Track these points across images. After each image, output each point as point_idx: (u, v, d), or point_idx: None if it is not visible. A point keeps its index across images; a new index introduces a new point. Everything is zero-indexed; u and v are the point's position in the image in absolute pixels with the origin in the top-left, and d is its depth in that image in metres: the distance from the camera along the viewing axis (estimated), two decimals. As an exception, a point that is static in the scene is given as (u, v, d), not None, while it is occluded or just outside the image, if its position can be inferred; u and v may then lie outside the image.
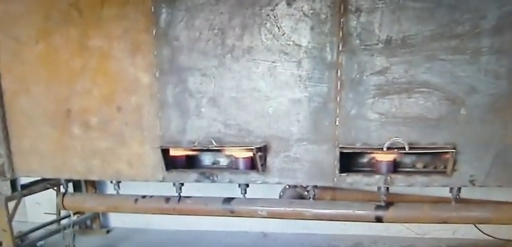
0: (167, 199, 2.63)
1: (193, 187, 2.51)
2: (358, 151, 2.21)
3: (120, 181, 2.65)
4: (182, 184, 2.53)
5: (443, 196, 2.39)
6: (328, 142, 2.22)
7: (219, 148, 2.31)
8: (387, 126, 2.15)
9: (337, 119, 2.19)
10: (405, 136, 2.12)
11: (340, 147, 2.17)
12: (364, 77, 2.12)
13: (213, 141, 2.30)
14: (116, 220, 3.53)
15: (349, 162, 2.27)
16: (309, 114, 2.22)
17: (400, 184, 2.25)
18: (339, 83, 2.16)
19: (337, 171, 2.21)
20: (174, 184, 2.53)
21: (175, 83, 2.33)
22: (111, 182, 2.67)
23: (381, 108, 2.13)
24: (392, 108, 2.12)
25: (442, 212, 2.34)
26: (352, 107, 2.17)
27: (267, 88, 2.23)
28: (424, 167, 2.28)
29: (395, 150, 2.12)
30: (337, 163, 2.19)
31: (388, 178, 2.24)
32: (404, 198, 2.64)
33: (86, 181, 3.35)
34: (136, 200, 2.69)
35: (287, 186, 2.62)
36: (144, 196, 2.68)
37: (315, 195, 2.45)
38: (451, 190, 2.24)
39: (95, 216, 3.50)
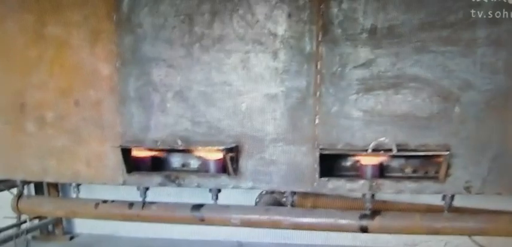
0: (130, 204, 2.38)
1: (163, 191, 2.28)
2: (340, 153, 1.99)
3: (80, 184, 2.40)
4: (147, 188, 2.28)
5: (435, 204, 2.19)
6: (307, 142, 2.00)
7: (185, 148, 2.07)
8: (372, 126, 1.93)
9: (317, 117, 1.97)
10: (392, 137, 1.90)
11: (320, 149, 1.94)
12: (347, 70, 1.92)
13: (179, 141, 2.06)
14: (81, 225, 3.28)
15: (330, 165, 2.06)
16: (286, 111, 2.00)
17: (388, 191, 2.03)
18: (318, 76, 1.95)
19: (317, 175, 1.98)
20: (138, 189, 2.28)
21: (137, 74, 2.11)
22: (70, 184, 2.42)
23: (366, 105, 1.92)
24: (378, 106, 1.92)
25: (434, 222, 2.10)
26: (333, 103, 1.95)
27: (239, 82, 2.02)
28: (414, 172, 2.06)
29: (382, 152, 1.90)
30: (317, 167, 1.96)
31: (374, 184, 2.01)
32: (391, 206, 2.42)
33: (49, 183, 3.09)
34: (96, 205, 2.44)
35: (264, 192, 2.39)
36: (105, 201, 2.43)
37: (293, 202, 2.22)
38: (444, 197, 2.01)
39: (58, 221, 3.24)
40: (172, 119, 2.10)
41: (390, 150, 1.89)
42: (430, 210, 2.26)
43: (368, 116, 1.93)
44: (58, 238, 3.24)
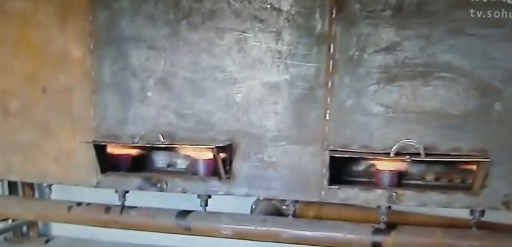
0: (107, 208, 2.08)
1: (147, 193, 1.97)
2: (355, 156, 1.66)
3: (51, 184, 2.11)
4: (126, 191, 1.97)
5: (458, 218, 1.90)
6: (314, 142, 1.70)
7: (169, 146, 1.75)
8: (395, 124, 1.62)
9: (328, 111, 1.67)
10: (419, 138, 1.58)
11: (331, 150, 1.62)
12: (366, 55, 1.62)
13: (161, 137, 1.74)
14: (59, 228, 3.00)
15: (340, 170, 1.74)
16: (290, 104, 1.70)
17: (409, 203, 1.70)
18: (331, 62, 1.64)
19: (325, 182, 1.69)
20: (116, 191, 1.96)
21: (114, 57, 1.83)
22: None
23: (387, 98, 1.61)
24: (403, 99, 1.61)
25: (460, 241, 1.77)
26: (348, 95, 1.65)
27: (234, 67, 1.73)
28: (437, 179, 1.76)
29: (407, 156, 1.56)
30: (325, 172, 1.66)
31: (394, 194, 1.69)
32: (408, 218, 2.09)
33: (23, 182, 2.78)
34: (69, 208, 2.15)
35: (261, 198, 2.05)
36: (79, 204, 2.14)
37: (295, 211, 1.90)
38: (472, 212, 1.69)
39: (33, 223, 2.98)
40: (154, 111, 1.81)
41: (417, 154, 1.56)
42: (452, 224, 1.93)
43: (390, 112, 1.62)
44: (33, 240, 2.99)
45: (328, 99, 1.65)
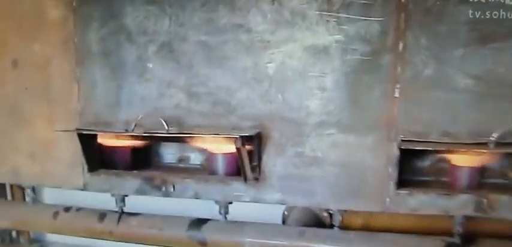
0: (102, 215, 1.65)
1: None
2: (439, 148, 1.21)
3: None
4: (125, 195, 1.53)
5: None
6: (377, 130, 1.25)
7: (175, 135, 1.30)
8: (490, 101, 1.16)
9: (398, 85, 1.19)
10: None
11: (403, 140, 1.15)
12: (450, 6, 1.15)
13: (165, 123, 1.28)
14: None
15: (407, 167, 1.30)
16: (343, 77, 1.24)
17: (505, 213, 1.23)
18: (402, 16, 1.17)
19: (392, 185, 1.20)
20: (113, 194, 1.53)
21: (103, 17, 1.39)
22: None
23: (480, 66, 1.15)
24: (500, 68, 1.14)
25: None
26: (425, 63, 1.18)
27: (264, 25, 1.27)
28: None
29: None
30: (392, 171, 1.19)
31: (484, 201, 1.22)
32: (482, 226, 1.61)
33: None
34: (55, 214, 1.73)
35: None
36: (67, 209, 1.71)
37: (342, 221, 1.44)
38: None
39: None
40: (156, 88, 1.37)
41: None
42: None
43: (482, 85, 1.15)
44: (22, 247, 2.54)
45: (399, 68, 1.18)
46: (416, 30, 1.16)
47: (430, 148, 1.20)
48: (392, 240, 1.44)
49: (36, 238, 2.67)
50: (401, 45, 1.16)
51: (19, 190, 2.40)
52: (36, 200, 1.81)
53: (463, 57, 1.15)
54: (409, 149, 1.17)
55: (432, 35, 1.15)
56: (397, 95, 1.20)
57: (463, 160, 1.29)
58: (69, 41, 1.41)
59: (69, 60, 1.42)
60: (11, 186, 2.39)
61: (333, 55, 1.21)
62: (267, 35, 1.24)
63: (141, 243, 1.68)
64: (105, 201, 1.56)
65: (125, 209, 1.56)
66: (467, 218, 1.30)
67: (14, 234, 2.60)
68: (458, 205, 1.24)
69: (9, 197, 2.36)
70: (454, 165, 1.32)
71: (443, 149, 1.24)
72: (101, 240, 2.06)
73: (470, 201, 1.23)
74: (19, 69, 1.48)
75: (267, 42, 1.25)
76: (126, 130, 1.31)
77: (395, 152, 1.19)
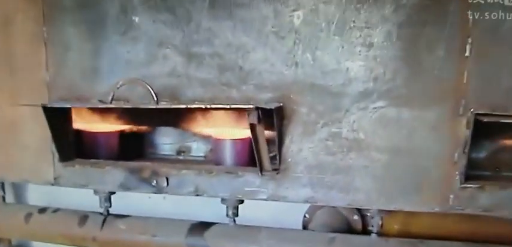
0: (83, 218, 1.35)
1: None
2: None
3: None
4: (113, 192, 1.23)
5: None
6: (441, 101, 0.94)
7: (166, 107, 1.00)
8: None
9: (469, 40, 0.89)
10: None
11: (477, 115, 0.84)
12: None
13: (153, 93, 0.97)
14: None
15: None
16: (395, 30, 0.92)
17: None
18: None
19: (457, 179, 0.88)
20: (95, 192, 1.24)
21: None
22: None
23: None
24: None
25: None
26: (508, 7, 0.88)
27: None
28: None
29: None
30: (459, 160, 0.87)
31: None
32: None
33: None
34: (28, 217, 1.45)
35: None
36: (42, 210, 1.44)
37: (382, 225, 1.14)
38: None
39: None
40: (144, 50, 1.05)
41: None
42: None
43: None
44: (0, 254, 2.25)
45: (470, 18, 0.86)
46: (500, -37, 0.85)
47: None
48: None
49: (20, 242, 2.40)
50: (477, -13, 0.86)
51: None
52: (4, 200, 1.50)
53: None
54: (482, 128, 0.86)
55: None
56: (467, 53, 0.88)
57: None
58: (34, -11, 1.11)
59: (34, 14, 1.11)
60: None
61: (382, 3, 0.90)
62: (292, -27, 0.93)
63: (129, 251, 1.38)
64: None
65: (111, 210, 1.27)
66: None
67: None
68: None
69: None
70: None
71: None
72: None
73: None
74: (-27, 30, 1.19)
75: (293, -19, 0.94)
76: (101, 102, 1.00)
77: (465, 132, 0.88)
